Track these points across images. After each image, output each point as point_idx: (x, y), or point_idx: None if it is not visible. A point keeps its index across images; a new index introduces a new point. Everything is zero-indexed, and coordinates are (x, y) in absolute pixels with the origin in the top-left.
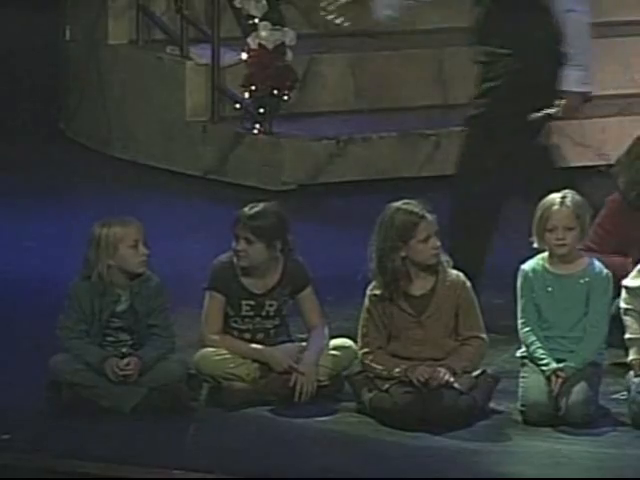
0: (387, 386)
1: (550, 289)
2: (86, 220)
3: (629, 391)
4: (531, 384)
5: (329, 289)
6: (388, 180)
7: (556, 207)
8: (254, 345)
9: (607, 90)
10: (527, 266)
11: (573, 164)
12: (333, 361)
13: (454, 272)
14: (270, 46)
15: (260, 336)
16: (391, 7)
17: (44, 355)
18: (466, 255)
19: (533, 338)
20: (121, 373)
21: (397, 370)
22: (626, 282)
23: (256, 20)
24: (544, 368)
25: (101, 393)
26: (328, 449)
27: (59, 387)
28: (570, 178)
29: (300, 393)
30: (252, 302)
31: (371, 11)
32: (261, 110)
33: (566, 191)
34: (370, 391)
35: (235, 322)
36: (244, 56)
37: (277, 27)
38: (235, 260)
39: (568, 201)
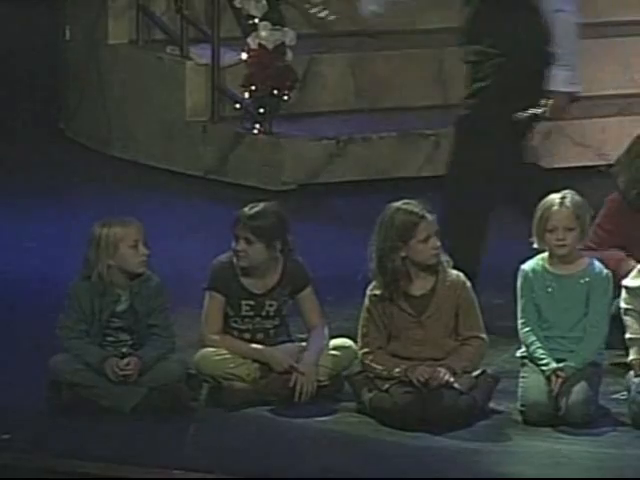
0: (387, 386)
1: (550, 289)
2: (86, 220)
3: (629, 391)
4: (531, 384)
5: (329, 289)
6: (388, 180)
7: (556, 207)
8: (254, 345)
9: (607, 90)
10: (527, 266)
11: (573, 164)
12: (333, 361)
13: (454, 272)
14: (270, 46)
15: (260, 336)
16: (376, 2)
17: (44, 355)
18: (460, 256)
19: (533, 338)
20: (121, 373)
21: (397, 370)
22: (626, 282)
23: (256, 20)
24: (544, 368)
25: (101, 393)
26: (328, 449)
27: (59, 387)
28: (552, 181)
29: (300, 393)
30: (252, 302)
31: (357, 7)
32: (261, 110)
33: (566, 191)
34: (370, 391)
35: (235, 322)
36: (244, 56)
37: (277, 27)
38: (235, 260)
39: (568, 201)
